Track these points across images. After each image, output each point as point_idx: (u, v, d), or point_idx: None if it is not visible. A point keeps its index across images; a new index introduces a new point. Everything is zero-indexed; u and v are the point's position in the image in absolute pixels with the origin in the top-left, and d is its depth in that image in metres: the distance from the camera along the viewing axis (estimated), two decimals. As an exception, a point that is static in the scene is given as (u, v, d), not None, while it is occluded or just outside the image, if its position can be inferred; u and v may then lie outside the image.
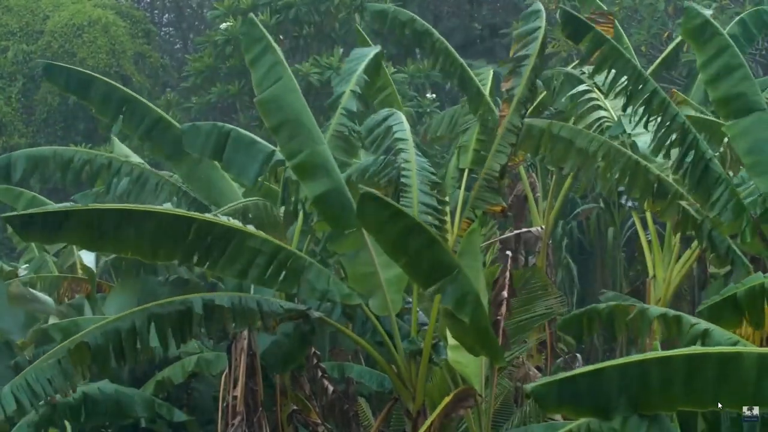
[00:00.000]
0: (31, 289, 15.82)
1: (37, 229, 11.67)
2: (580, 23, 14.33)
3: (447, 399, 12.68)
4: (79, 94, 15.86)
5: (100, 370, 12.19)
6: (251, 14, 14.61)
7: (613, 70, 14.22)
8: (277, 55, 13.41)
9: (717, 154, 14.59)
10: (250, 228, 12.49)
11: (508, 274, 13.44)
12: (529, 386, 9.56)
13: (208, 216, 12.49)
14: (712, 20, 14.02)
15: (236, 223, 12.42)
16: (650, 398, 9.67)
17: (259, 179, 14.51)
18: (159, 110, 15.72)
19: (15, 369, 14.17)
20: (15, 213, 12.02)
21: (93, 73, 16.34)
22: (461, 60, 17.60)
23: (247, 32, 13.64)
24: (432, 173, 13.66)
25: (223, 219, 12.48)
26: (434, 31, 17.82)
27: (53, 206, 14.13)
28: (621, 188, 15.85)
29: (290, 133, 13.09)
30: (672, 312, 11.43)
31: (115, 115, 15.56)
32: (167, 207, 13.73)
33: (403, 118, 14.01)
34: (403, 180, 13.23)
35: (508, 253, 14.21)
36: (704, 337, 10.87)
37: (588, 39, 14.16)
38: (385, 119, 13.92)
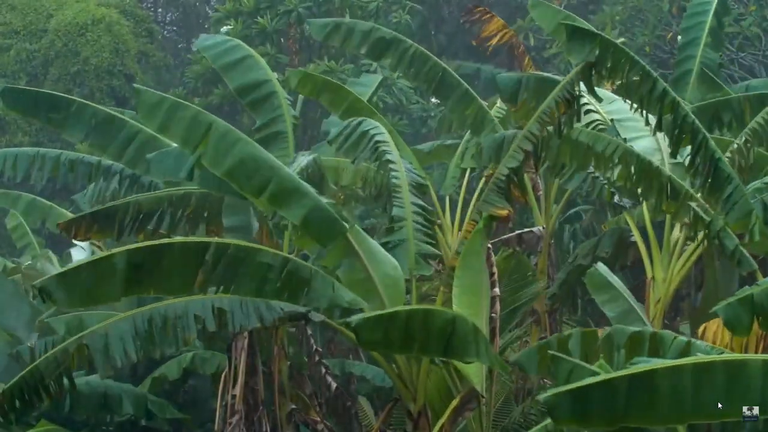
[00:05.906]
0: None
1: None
2: (585, 33, 13.79)
3: (453, 403, 12.67)
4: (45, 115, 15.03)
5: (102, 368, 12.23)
6: (137, 85, 13.57)
7: (625, 74, 13.63)
8: (190, 107, 12.85)
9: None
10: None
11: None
12: (541, 397, 9.50)
13: (221, 240, 12.40)
14: None
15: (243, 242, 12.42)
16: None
17: None
18: (136, 123, 15.20)
19: (16, 359, 14.29)
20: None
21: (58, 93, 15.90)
22: (443, 64, 17.33)
23: (141, 99, 12.93)
24: (418, 174, 13.70)
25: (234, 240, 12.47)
26: (403, 37, 17.26)
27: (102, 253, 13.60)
28: (612, 189, 15.67)
29: (248, 173, 12.62)
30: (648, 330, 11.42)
31: (87, 134, 14.89)
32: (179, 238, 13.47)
33: (378, 123, 13.99)
34: (393, 181, 13.26)
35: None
36: (687, 351, 10.81)
37: (596, 46, 13.44)
38: (359, 124, 13.91)
